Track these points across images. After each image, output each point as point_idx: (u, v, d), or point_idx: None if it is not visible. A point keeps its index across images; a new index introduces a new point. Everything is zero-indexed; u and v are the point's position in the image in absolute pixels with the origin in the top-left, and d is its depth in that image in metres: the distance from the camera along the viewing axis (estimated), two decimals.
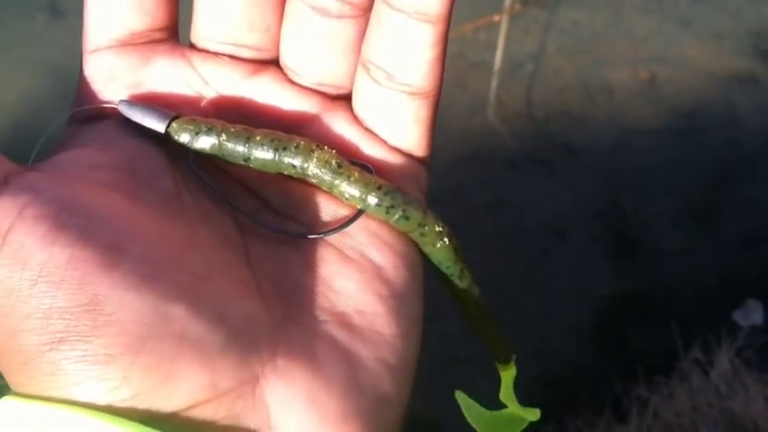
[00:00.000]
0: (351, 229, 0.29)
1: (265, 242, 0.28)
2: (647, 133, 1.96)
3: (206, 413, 0.23)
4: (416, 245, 0.31)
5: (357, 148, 0.31)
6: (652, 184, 1.87)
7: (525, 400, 0.39)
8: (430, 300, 0.30)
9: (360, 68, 0.30)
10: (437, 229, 0.30)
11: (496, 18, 2.01)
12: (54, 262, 0.23)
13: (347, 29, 0.30)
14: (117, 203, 0.25)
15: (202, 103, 0.30)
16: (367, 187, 0.29)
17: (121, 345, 0.22)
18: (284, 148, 0.29)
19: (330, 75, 0.31)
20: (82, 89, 0.30)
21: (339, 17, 0.29)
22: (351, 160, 0.30)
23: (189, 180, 0.28)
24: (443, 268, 0.32)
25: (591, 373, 1.56)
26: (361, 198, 0.29)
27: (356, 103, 0.31)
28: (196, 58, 0.30)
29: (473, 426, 0.38)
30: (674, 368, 1.45)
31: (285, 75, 0.31)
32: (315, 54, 0.30)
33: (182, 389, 0.23)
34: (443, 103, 0.36)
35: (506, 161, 1.91)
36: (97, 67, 0.30)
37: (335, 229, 0.29)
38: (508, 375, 0.39)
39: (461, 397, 0.36)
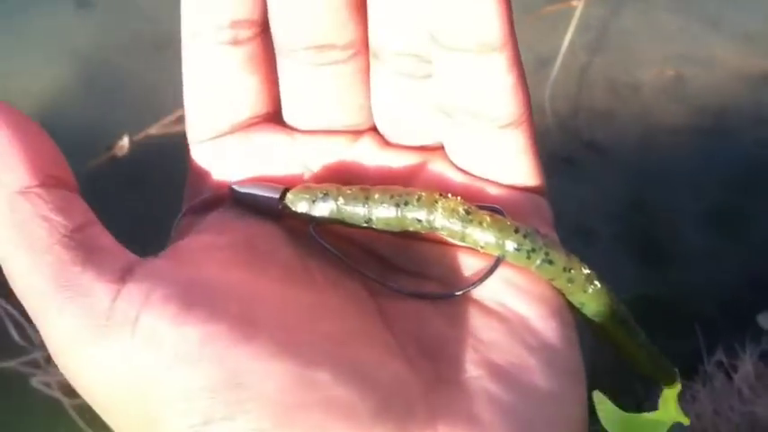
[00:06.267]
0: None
1: (399, 303, 0.27)
2: (674, 132, 1.93)
3: None
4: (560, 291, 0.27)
5: (475, 192, 0.28)
6: (677, 184, 1.85)
7: None
8: None
9: (441, 118, 0.28)
10: (584, 271, 0.28)
11: (574, 3, 1.99)
12: (188, 341, 0.22)
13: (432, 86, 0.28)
14: (240, 278, 0.25)
15: (307, 176, 0.29)
16: (503, 232, 0.26)
17: (269, 418, 0.21)
18: (406, 203, 0.27)
19: (424, 134, 0.30)
20: (191, 181, 0.30)
21: (424, 77, 0.28)
22: (478, 205, 0.27)
23: (311, 250, 0.27)
24: (599, 318, 0.28)
25: (612, 373, 1.54)
26: (498, 244, 0.26)
27: (451, 153, 0.29)
28: (296, 134, 0.30)
29: (608, 428, 0.35)
30: (697, 371, 1.43)
31: (381, 137, 0.30)
32: (408, 117, 0.29)
33: None
34: None
35: None
36: (202, 157, 0.30)
37: (475, 283, 0.27)
38: (672, 393, 0.36)
39: (598, 396, 0.34)
